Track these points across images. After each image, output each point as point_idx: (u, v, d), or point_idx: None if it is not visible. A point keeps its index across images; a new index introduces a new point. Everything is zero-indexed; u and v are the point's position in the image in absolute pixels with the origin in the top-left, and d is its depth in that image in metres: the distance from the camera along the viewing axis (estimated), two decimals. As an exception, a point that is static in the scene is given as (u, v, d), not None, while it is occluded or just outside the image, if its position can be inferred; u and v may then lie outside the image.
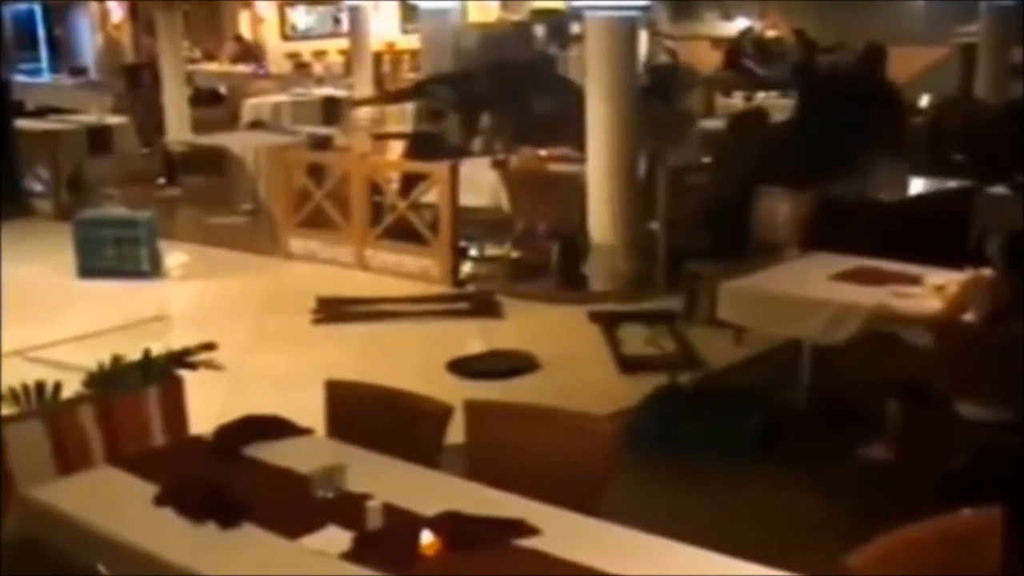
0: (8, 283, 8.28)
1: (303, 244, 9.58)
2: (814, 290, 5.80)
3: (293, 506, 3.39)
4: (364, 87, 15.67)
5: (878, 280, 5.80)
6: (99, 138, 12.45)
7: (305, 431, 3.98)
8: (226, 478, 3.53)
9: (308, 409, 4.08)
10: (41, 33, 18.79)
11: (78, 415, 4.21)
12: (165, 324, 7.84)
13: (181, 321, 8.00)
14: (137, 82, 15.04)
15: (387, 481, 3.50)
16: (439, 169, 8.90)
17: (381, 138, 13.11)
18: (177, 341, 5.04)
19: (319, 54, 19.02)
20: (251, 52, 18.18)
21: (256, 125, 13.57)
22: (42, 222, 11.27)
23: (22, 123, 12.64)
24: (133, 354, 4.62)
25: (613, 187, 8.34)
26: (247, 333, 7.62)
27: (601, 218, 8.38)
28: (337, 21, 19.53)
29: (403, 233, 9.07)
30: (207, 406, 4.72)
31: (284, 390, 5.90)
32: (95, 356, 4.65)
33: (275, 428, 3.94)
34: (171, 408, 4.40)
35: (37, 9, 18.56)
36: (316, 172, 9.77)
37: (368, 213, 9.29)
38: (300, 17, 20.03)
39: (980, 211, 7.92)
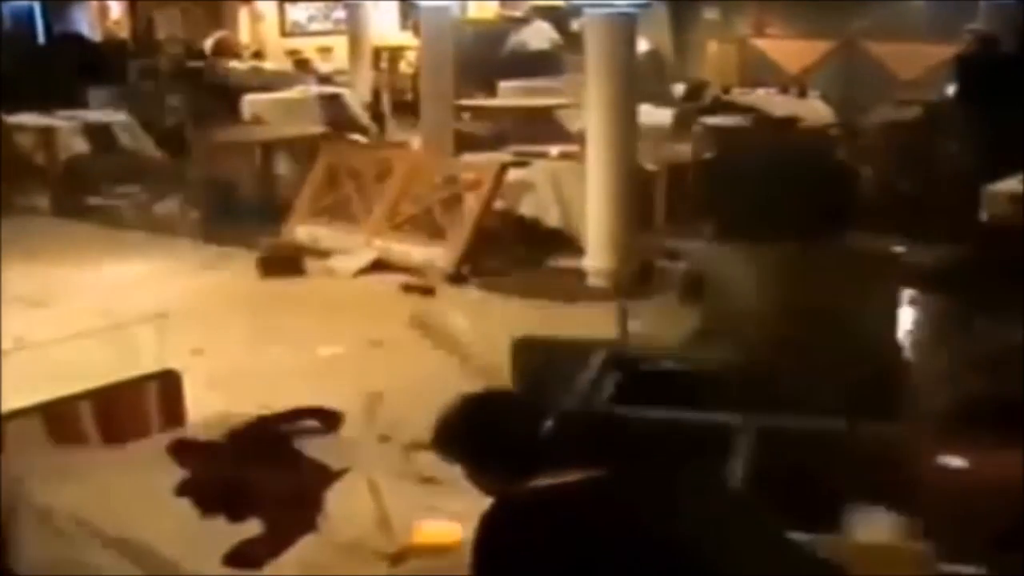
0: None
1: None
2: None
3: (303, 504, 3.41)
4: (363, 84, 15.66)
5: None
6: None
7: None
8: (254, 470, 3.58)
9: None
10: (40, 29, 18.78)
11: (76, 410, 4.21)
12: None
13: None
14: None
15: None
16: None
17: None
18: (176, 337, 5.04)
19: (323, 50, 18.98)
20: (232, 47, 18.18)
21: (256, 121, 13.58)
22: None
23: (22, 119, 12.63)
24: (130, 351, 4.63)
25: (611, 183, 8.33)
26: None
27: (599, 214, 8.38)
28: (311, 19, 19.60)
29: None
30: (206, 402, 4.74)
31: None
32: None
33: (321, 420, 4.02)
34: (169, 403, 4.39)
35: (36, 6, 18.56)
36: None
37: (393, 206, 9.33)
38: (299, 13, 20.01)
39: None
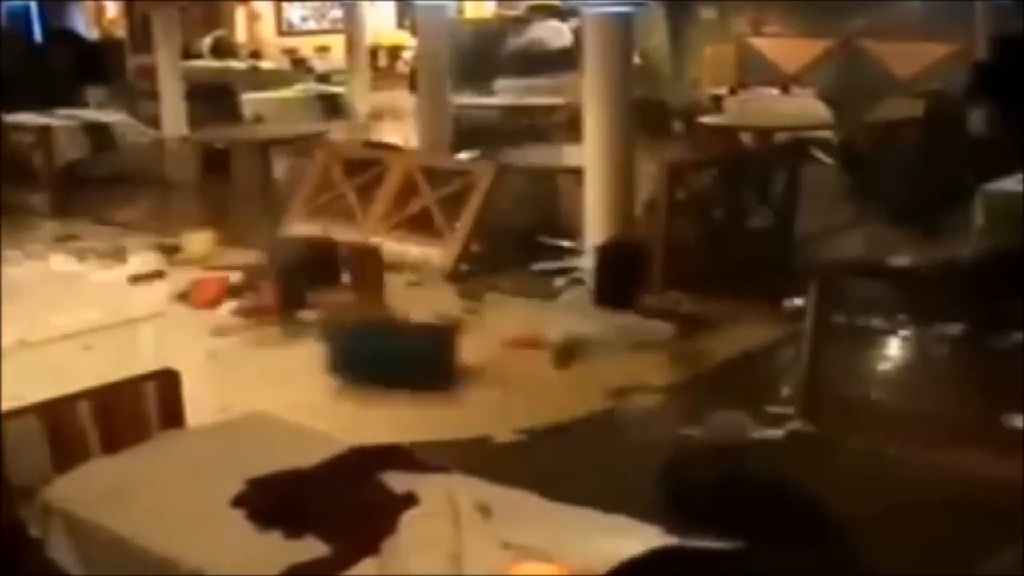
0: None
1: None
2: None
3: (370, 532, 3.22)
4: (361, 82, 15.67)
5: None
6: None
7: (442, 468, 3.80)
8: (323, 489, 3.49)
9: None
10: (37, 28, 18.77)
11: (75, 410, 4.20)
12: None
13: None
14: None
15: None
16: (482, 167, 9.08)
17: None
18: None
19: (320, 49, 18.99)
20: (229, 46, 18.21)
21: (256, 120, 13.63)
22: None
23: (19, 118, 12.61)
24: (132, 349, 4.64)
25: (609, 183, 8.32)
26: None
27: (598, 215, 8.37)
28: (308, 18, 19.61)
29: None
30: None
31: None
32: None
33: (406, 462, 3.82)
34: (168, 402, 4.39)
35: (33, 5, 18.55)
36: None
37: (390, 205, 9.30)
38: (296, 12, 20.02)
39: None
